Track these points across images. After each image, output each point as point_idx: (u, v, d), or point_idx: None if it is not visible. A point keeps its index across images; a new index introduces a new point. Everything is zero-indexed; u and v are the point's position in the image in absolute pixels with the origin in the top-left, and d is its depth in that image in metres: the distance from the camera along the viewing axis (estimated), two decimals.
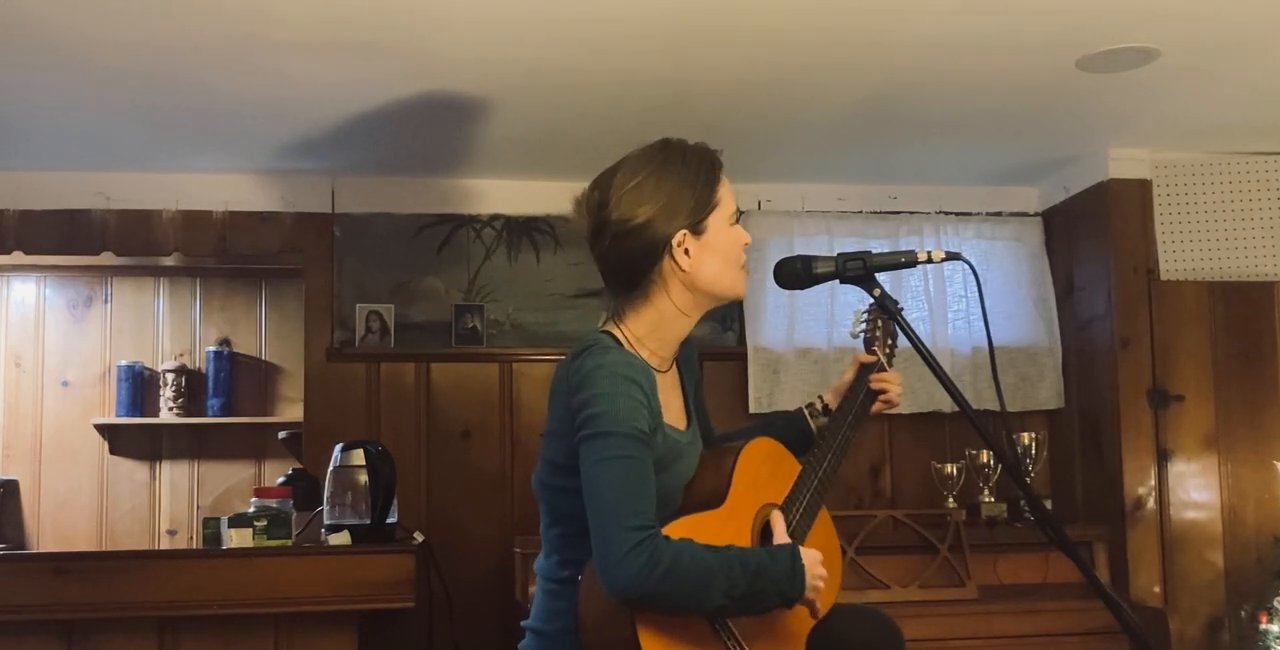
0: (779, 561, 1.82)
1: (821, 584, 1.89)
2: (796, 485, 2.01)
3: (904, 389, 2.19)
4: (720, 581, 1.75)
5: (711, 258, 1.95)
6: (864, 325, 2.19)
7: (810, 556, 1.87)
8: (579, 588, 1.85)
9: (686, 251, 1.92)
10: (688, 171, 1.94)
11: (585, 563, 1.83)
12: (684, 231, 1.92)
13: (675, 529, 1.80)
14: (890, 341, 2.20)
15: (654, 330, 1.97)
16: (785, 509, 1.99)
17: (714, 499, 1.91)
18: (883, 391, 2.18)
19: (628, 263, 1.93)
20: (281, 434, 4.69)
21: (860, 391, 2.16)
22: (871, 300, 2.11)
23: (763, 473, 2.00)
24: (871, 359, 2.20)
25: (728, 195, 1.98)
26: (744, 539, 1.92)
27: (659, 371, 1.96)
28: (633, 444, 1.78)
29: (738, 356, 3.98)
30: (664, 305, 1.96)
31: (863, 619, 2.12)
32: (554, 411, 1.91)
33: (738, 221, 2.02)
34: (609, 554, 1.72)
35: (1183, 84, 3.17)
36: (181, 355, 5.03)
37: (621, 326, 1.97)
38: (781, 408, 3.94)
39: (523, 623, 2.00)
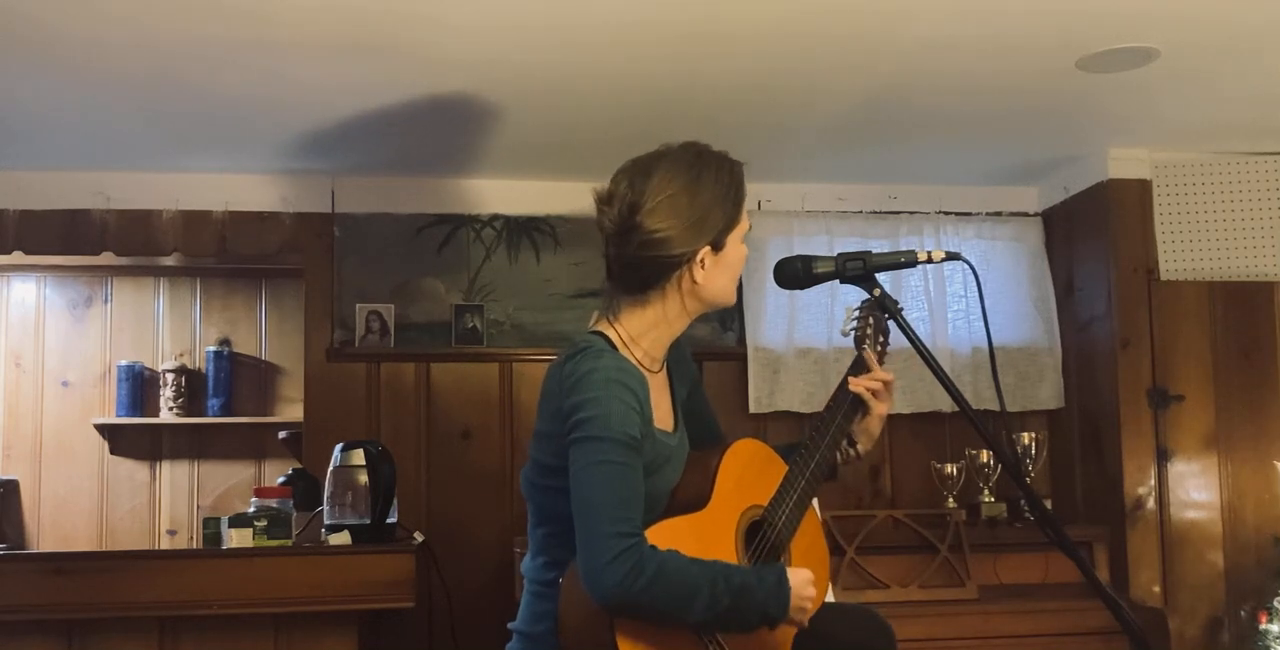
0: (765, 581, 1.81)
1: (810, 605, 1.88)
2: (783, 486, 2.00)
3: (903, 389, 2.17)
4: (703, 595, 1.74)
5: (722, 273, 1.97)
6: (854, 323, 2.18)
7: (800, 577, 1.86)
8: (560, 589, 1.85)
9: (703, 266, 1.94)
10: (720, 188, 1.95)
11: (570, 563, 1.83)
12: (707, 248, 1.93)
13: (658, 532, 1.79)
14: (882, 338, 2.19)
15: (650, 331, 1.98)
16: (771, 510, 1.98)
17: (698, 501, 1.90)
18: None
19: (644, 268, 1.93)
20: (281, 434, 4.69)
21: (848, 391, 2.14)
22: (864, 297, 2.11)
23: (748, 474, 1.98)
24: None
25: (746, 214, 2.01)
26: (727, 541, 1.90)
27: (650, 372, 1.96)
28: (623, 450, 1.78)
29: (738, 356, 3.98)
30: (667, 309, 1.96)
31: (853, 618, 2.11)
32: (544, 412, 1.91)
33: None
34: (593, 559, 1.72)
35: (1183, 84, 3.17)
36: (181, 355, 5.03)
37: (616, 326, 1.97)
38: (782, 408, 3.94)
39: (509, 624, 1.99)
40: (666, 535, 1.79)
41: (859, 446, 2.14)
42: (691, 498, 1.92)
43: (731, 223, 1.96)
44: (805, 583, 1.87)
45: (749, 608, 1.78)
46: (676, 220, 1.90)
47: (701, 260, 1.93)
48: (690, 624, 1.77)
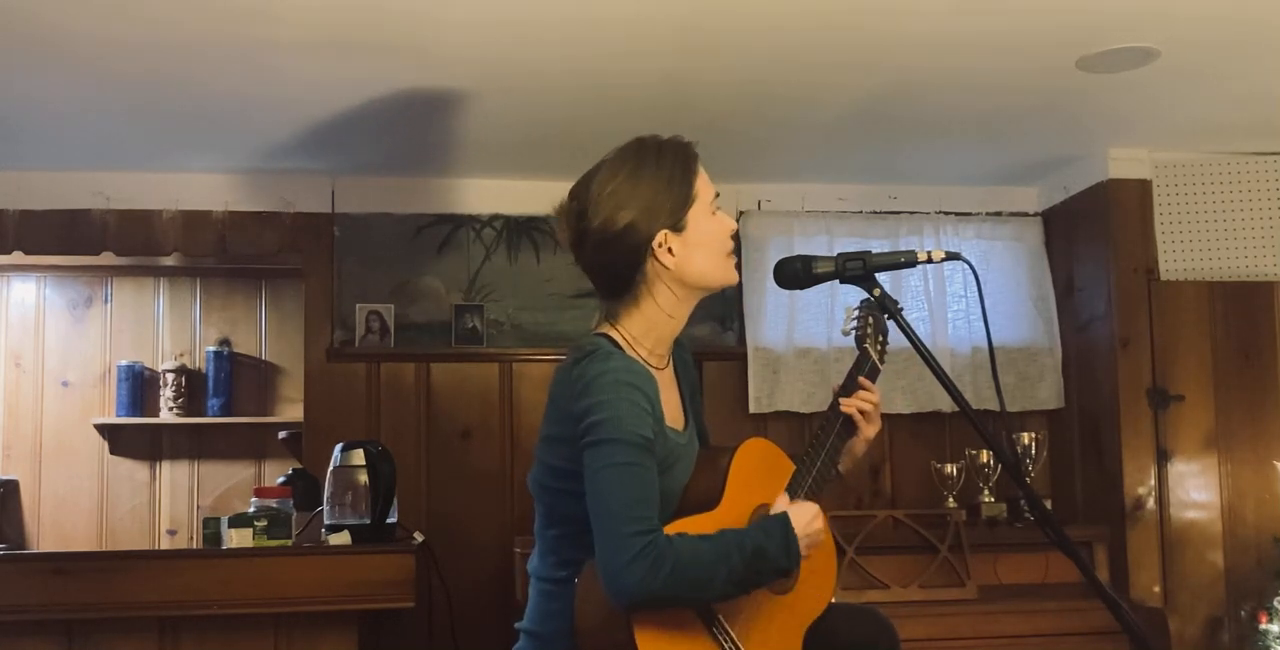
0: (772, 536, 1.83)
1: (820, 537, 1.91)
2: (791, 486, 2.01)
3: (903, 389, 2.16)
4: (721, 571, 1.77)
5: (696, 252, 1.95)
6: (855, 322, 2.18)
7: (803, 514, 1.88)
8: (575, 590, 1.85)
9: (670, 250, 1.92)
10: (663, 170, 1.94)
11: (582, 563, 1.83)
12: (665, 231, 1.92)
13: (672, 531, 1.80)
14: (882, 338, 2.19)
15: (650, 329, 1.98)
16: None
17: (709, 500, 1.91)
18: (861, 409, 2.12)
19: (612, 268, 1.94)
20: (281, 434, 4.69)
21: (852, 388, 2.14)
22: (864, 297, 2.10)
23: (758, 473, 1.99)
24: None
25: (705, 186, 1.98)
26: None
27: (658, 369, 1.96)
28: (636, 451, 1.78)
29: (738, 356, 3.98)
30: (656, 303, 1.96)
31: (859, 618, 2.12)
32: (552, 416, 1.91)
33: (720, 209, 2.01)
34: (613, 561, 1.73)
35: (1183, 84, 3.17)
36: (181, 355, 5.02)
37: (618, 327, 1.97)
38: (781, 408, 3.94)
39: (516, 625, 1.99)
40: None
41: (840, 466, 2.12)
42: (703, 497, 1.92)
43: (684, 199, 1.94)
44: (808, 522, 1.89)
45: (764, 568, 1.82)
46: (623, 211, 1.90)
47: (666, 245, 1.92)
48: (713, 599, 1.80)
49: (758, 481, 1.99)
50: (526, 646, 1.96)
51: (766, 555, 1.81)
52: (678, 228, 1.93)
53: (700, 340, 3.94)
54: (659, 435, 1.85)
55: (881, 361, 2.17)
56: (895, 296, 2.29)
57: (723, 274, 1.99)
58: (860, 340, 2.16)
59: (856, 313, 2.18)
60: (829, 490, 2.10)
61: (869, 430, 2.11)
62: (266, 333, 5.11)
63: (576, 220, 1.93)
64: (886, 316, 2.12)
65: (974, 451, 3.79)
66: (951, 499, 3.76)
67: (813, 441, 2.08)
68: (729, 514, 1.92)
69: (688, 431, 2.01)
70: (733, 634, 1.84)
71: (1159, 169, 3.80)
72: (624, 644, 1.74)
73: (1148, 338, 3.74)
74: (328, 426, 3.79)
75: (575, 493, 1.81)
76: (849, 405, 2.09)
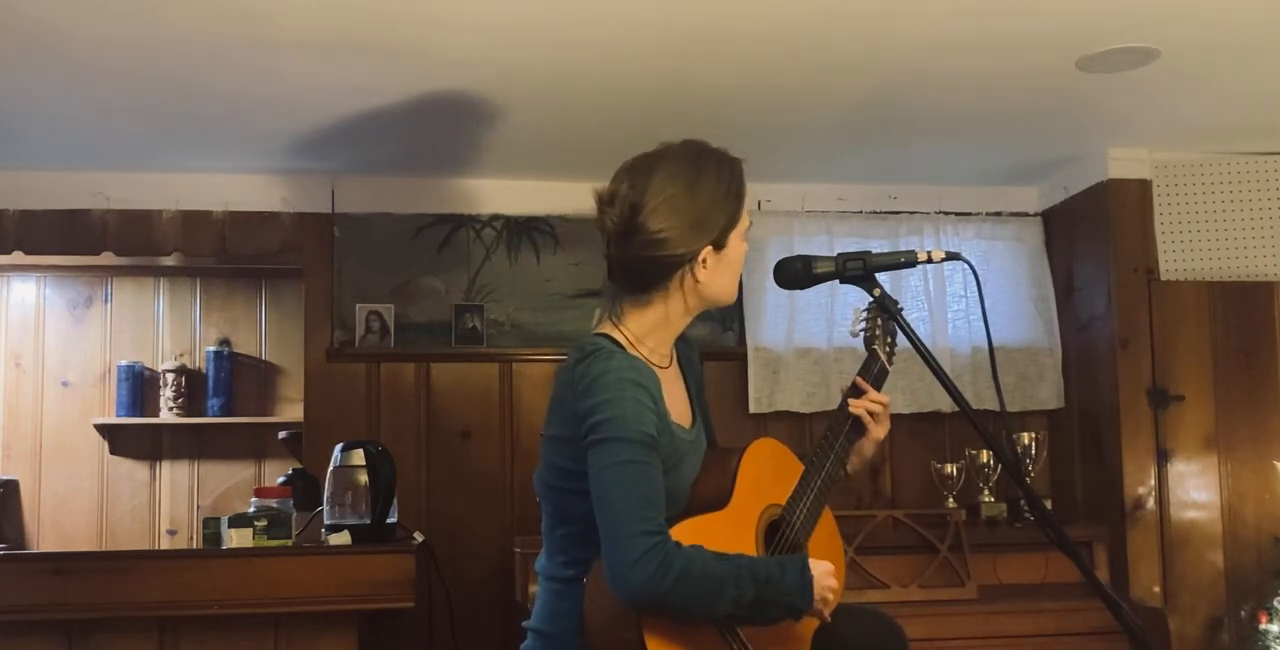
0: (789, 573, 1.83)
1: (832, 596, 1.90)
2: (799, 486, 2.02)
3: (903, 389, 2.17)
4: (729, 590, 1.76)
5: (725, 271, 1.98)
6: (864, 324, 2.19)
7: (822, 568, 1.88)
8: (584, 589, 1.85)
9: (705, 264, 1.94)
10: (721, 187, 1.96)
11: (590, 562, 1.83)
12: (709, 247, 1.94)
13: (681, 531, 1.80)
14: (890, 339, 2.20)
15: (653, 331, 1.99)
16: (789, 510, 1.99)
17: (719, 500, 1.92)
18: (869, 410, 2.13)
19: (647, 268, 1.94)
20: (281, 434, 4.69)
21: (861, 390, 2.15)
22: (871, 298, 2.11)
23: (766, 473, 2.00)
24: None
25: (747, 212, 2.02)
26: (748, 540, 1.92)
27: (661, 368, 1.97)
28: (641, 449, 1.79)
29: (738, 356, 3.98)
30: (669, 309, 1.98)
31: (866, 620, 2.12)
32: (556, 416, 1.91)
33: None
34: (619, 560, 1.73)
35: (1183, 84, 3.17)
36: (181, 355, 5.03)
37: (620, 327, 1.98)
38: (782, 408, 3.94)
39: (524, 623, 1.99)
40: (690, 533, 1.81)
41: (848, 466, 2.14)
42: (712, 497, 1.93)
43: (732, 221, 1.97)
44: (826, 574, 1.89)
45: (774, 600, 1.80)
46: (678, 220, 1.91)
47: (704, 260, 1.94)
48: (717, 618, 1.78)
49: (767, 481, 1.99)
50: (535, 645, 1.96)
51: (778, 586, 1.80)
52: (719, 245, 1.96)
53: (700, 340, 3.86)
54: (664, 432, 1.85)
55: (890, 363, 2.18)
56: (895, 296, 2.30)
57: (732, 294, 2.03)
58: (869, 342, 2.17)
59: (865, 314, 2.19)
60: (836, 490, 2.11)
61: (878, 432, 2.13)
62: (266, 333, 5.11)
63: (630, 213, 1.91)
64: (887, 317, 2.13)
65: (974, 451, 3.80)
66: (951, 499, 3.76)
67: (821, 442, 2.08)
68: (738, 514, 1.92)
69: (695, 428, 2.02)
70: (742, 635, 1.84)
71: (1159, 169, 3.80)
72: (633, 643, 1.75)
73: (1148, 338, 3.74)
74: (328, 426, 3.79)
75: (582, 492, 1.81)
76: (858, 406, 2.10)
